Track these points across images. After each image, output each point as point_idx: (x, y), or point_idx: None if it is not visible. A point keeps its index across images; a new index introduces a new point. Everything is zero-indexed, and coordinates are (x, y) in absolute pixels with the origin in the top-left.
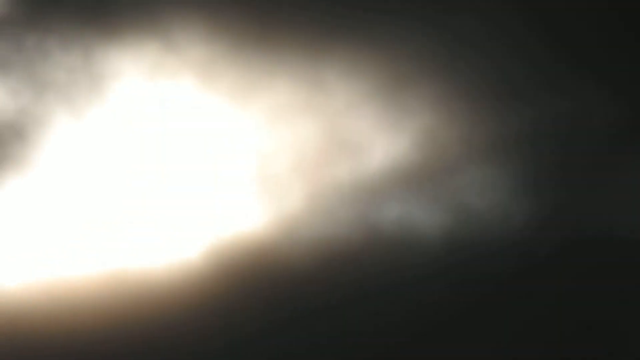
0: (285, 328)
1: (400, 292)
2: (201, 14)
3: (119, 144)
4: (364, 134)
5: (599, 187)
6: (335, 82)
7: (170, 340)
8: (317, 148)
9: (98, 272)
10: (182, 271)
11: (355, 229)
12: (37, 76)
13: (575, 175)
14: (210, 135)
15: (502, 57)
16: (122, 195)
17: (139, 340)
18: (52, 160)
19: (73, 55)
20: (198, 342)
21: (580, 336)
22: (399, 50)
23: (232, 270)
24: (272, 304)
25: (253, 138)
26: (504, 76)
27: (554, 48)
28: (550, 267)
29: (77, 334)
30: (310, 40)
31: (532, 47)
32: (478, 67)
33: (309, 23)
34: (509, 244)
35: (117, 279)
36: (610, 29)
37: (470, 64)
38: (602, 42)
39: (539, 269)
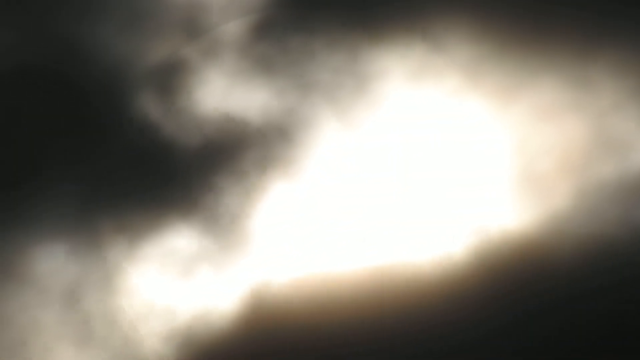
0: (546, 324)
1: None
2: (467, 15)
3: (384, 143)
4: (631, 132)
5: None
6: (602, 80)
7: (434, 334)
8: (582, 147)
9: (364, 268)
10: (447, 267)
11: (621, 228)
12: (302, 77)
13: None
14: (475, 134)
15: None
16: (388, 193)
17: (403, 333)
18: (318, 161)
19: (339, 56)
20: (461, 336)
21: None
22: None
23: (495, 266)
24: (536, 301)
25: (519, 137)
26: None
27: None
28: None
29: (343, 328)
30: (577, 38)
31: None
32: None
33: (576, 22)
34: None
35: (383, 274)
36: None
37: None
38: None
39: None
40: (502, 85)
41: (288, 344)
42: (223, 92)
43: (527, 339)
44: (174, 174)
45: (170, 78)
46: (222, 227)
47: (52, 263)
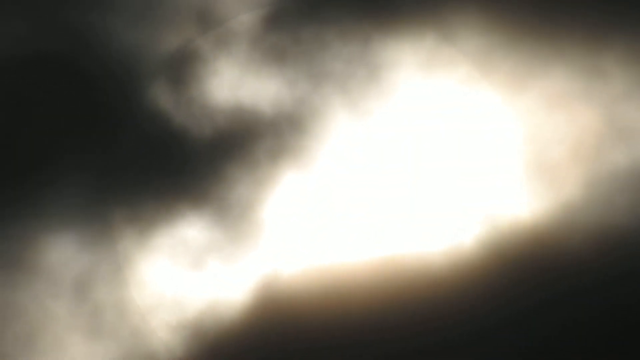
0: (556, 315)
1: None
2: (478, 5)
3: (396, 133)
4: None
5: None
6: (613, 69)
7: (444, 324)
8: (594, 135)
9: (374, 259)
10: (457, 257)
11: (633, 217)
12: (314, 67)
13: None
14: (486, 124)
15: None
16: (399, 183)
17: (413, 324)
18: (329, 151)
19: (350, 46)
20: (471, 326)
21: None
22: None
23: (506, 257)
24: (546, 291)
25: (529, 126)
26: None
27: None
28: None
29: (352, 319)
30: (588, 27)
31: None
32: None
33: (587, 10)
34: None
35: (393, 264)
36: None
37: None
38: None
39: None
40: (512, 75)
41: (297, 334)
42: (235, 83)
43: (537, 329)
44: (185, 164)
45: (182, 68)
46: (233, 218)
47: (62, 254)
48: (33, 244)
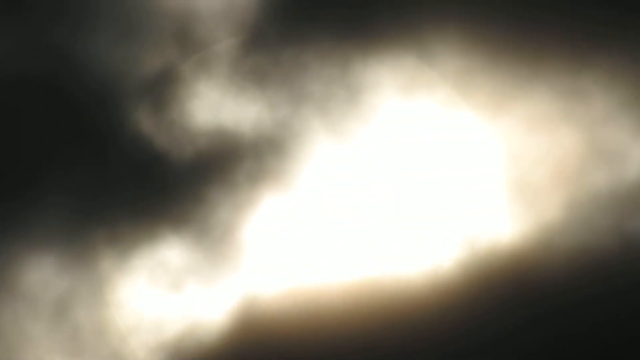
0: (536, 337)
1: None
2: (458, 26)
3: (376, 155)
4: (622, 142)
5: None
6: (593, 91)
7: (423, 346)
8: (574, 157)
9: (354, 280)
10: (437, 279)
11: (614, 239)
12: (294, 89)
13: None
14: (466, 146)
15: None
16: (379, 205)
17: (393, 346)
18: (310, 173)
19: (330, 68)
20: (451, 348)
21: None
22: None
23: (486, 279)
24: (526, 313)
25: (510, 148)
26: None
27: None
28: None
29: (332, 340)
30: (568, 49)
31: None
32: None
33: (568, 32)
34: None
35: (373, 286)
36: None
37: None
38: None
39: None
40: (493, 96)
41: (277, 356)
42: (215, 105)
43: (517, 351)
44: (166, 186)
45: (163, 90)
46: (213, 240)
47: (42, 275)
48: (13, 265)
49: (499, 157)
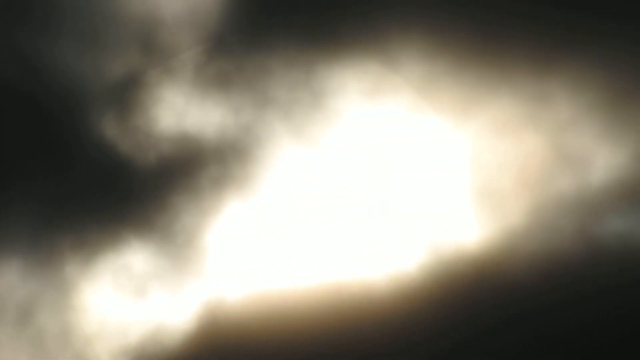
0: (501, 342)
1: (621, 308)
2: (422, 31)
3: (340, 160)
4: (588, 147)
5: None
6: (558, 95)
7: (387, 352)
8: (539, 162)
9: (318, 285)
10: (401, 283)
11: (577, 244)
12: (258, 95)
13: None
14: (431, 151)
15: None
16: (340, 210)
17: (357, 350)
18: (274, 178)
19: (294, 73)
20: (415, 354)
21: None
22: (623, 63)
23: (450, 283)
24: (491, 318)
25: (475, 152)
26: None
27: None
28: None
29: (297, 345)
30: (533, 54)
31: None
32: None
33: (533, 37)
34: None
35: (337, 290)
36: None
37: None
38: None
39: None
40: (458, 101)
41: None
42: (179, 110)
43: (481, 356)
44: (130, 192)
45: (127, 96)
46: (177, 244)
47: (7, 279)
48: None
49: (463, 162)
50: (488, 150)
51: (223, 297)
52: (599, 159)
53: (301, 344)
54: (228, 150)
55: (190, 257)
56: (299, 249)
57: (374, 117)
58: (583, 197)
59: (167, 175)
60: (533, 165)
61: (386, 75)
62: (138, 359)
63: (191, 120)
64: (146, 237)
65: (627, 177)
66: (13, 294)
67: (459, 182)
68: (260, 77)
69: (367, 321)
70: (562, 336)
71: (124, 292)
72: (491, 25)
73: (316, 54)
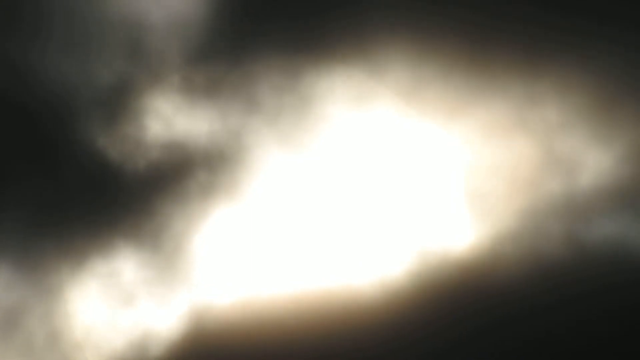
0: (489, 347)
1: (610, 310)
2: (409, 36)
3: (327, 166)
4: (576, 150)
5: None
6: (547, 99)
7: (374, 357)
8: (529, 165)
9: (305, 291)
10: (389, 288)
11: (566, 247)
12: (245, 101)
13: None
14: (419, 155)
15: None
16: (330, 215)
17: (344, 356)
18: (262, 184)
19: (281, 80)
20: (401, 358)
21: None
22: (611, 66)
23: (438, 288)
24: (479, 323)
25: (464, 156)
26: None
27: None
28: None
29: (283, 351)
30: (522, 58)
31: None
32: None
33: (521, 42)
34: None
35: (324, 296)
36: None
37: None
38: None
39: None
40: (447, 106)
41: None
42: (168, 117)
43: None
44: (119, 198)
45: (116, 103)
46: (165, 251)
47: None
48: None
49: (452, 166)
50: (477, 154)
51: (211, 303)
52: (588, 162)
53: (289, 350)
54: (216, 157)
55: (178, 263)
56: (287, 255)
57: (362, 123)
58: (571, 201)
59: (155, 181)
60: (522, 169)
61: (374, 80)
62: None
63: (179, 127)
64: (134, 243)
65: (615, 181)
66: (1, 299)
67: (447, 187)
68: (247, 84)
69: (354, 327)
70: (551, 339)
71: (112, 298)
72: (479, 29)
73: (303, 61)
